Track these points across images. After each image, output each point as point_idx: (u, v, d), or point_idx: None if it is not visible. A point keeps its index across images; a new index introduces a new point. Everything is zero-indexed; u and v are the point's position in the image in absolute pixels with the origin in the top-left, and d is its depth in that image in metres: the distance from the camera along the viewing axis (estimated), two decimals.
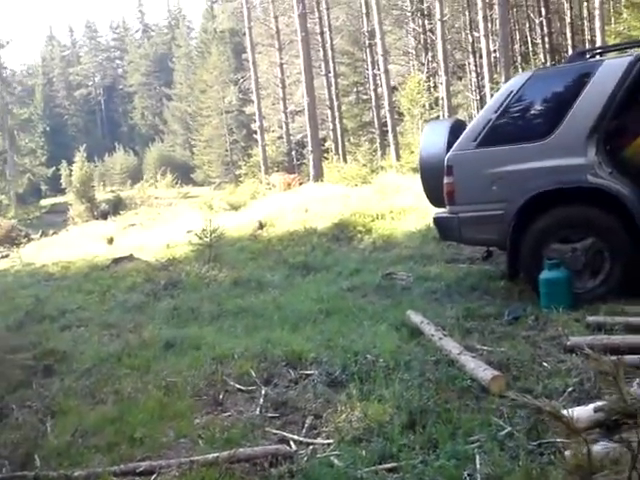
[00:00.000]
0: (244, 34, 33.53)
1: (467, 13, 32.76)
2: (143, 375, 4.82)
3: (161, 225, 16.99)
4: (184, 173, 50.52)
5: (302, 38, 24.10)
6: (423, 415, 3.61)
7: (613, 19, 25.29)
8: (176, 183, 43.84)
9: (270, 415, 4.03)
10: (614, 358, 3.94)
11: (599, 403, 2.93)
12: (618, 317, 4.72)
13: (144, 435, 3.80)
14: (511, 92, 5.67)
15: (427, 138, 6.42)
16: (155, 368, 4.94)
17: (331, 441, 3.57)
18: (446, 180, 5.80)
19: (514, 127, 5.64)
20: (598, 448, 2.67)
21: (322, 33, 31.37)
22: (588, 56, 6.14)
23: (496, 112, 5.66)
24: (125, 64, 78.83)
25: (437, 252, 8.28)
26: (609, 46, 6.83)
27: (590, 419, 2.99)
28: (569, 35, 33.14)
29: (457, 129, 6.10)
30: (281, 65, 32.36)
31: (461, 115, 29.52)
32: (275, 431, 3.80)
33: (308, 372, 4.58)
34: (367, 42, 31.00)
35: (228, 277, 7.98)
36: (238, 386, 4.50)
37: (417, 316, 5.33)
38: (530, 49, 35.69)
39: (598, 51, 6.40)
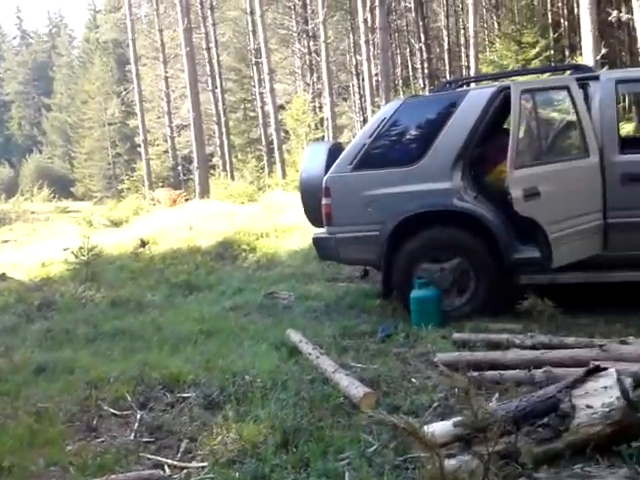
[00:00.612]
0: (127, 46, 32.89)
1: (351, 36, 33.64)
2: (13, 401, 4.63)
3: (37, 242, 16.28)
4: (63, 187, 48.72)
5: (187, 53, 23.95)
6: (296, 434, 3.68)
7: (487, 48, 26.66)
8: (54, 197, 42.14)
9: (145, 440, 3.98)
10: (476, 374, 4.25)
11: (458, 418, 3.13)
12: (481, 334, 5.02)
13: (12, 464, 3.67)
14: (384, 118, 5.92)
15: (307, 160, 6.59)
16: (26, 393, 4.76)
17: (205, 464, 3.58)
18: (324, 201, 5.97)
19: (387, 152, 5.89)
20: (453, 462, 2.86)
21: (208, 48, 31.30)
22: (455, 86, 6.51)
23: (370, 137, 5.90)
24: (1, 71, 75.24)
25: (318, 271, 8.45)
26: (475, 77, 7.26)
27: (450, 433, 3.19)
28: (447, 61, 34.73)
29: (336, 152, 6.29)
30: (166, 78, 31.96)
31: (346, 135, 30.22)
32: (149, 456, 3.76)
33: (185, 395, 4.56)
34: (254, 60, 31.15)
35: (106, 297, 7.79)
36: (113, 411, 4.42)
37: (296, 335, 5.43)
38: (411, 73, 37.04)
39: (465, 81, 6.79)
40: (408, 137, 5.95)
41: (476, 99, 5.63)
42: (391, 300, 6.25)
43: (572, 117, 5.44)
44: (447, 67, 34.50)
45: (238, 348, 5.47)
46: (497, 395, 3.94)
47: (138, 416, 4.27)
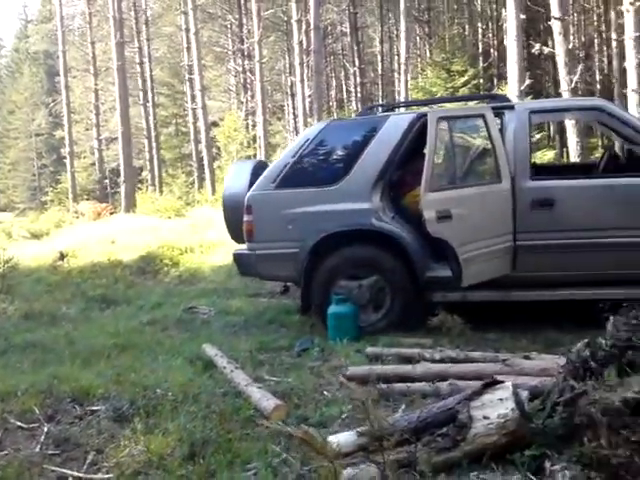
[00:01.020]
0: (58, 57, 32.27)
1: (287, 57, 33.97)
2: None
3: None
4: None
5: (118, 67, 23.70)
6: (204, 446, 3.68)
7: (419, 75, 27.35)
8: None
9: (50, 452, 3.90)
10: (385, 386, 4.36)
11: (361, 428, 3.21)
12: (394, 348, 5.14)
13: None
14: (308, 139, 6.04)
15: (231, 177, 6.64)
16: None
17: (110, 476, 3.54)
18: (245, 218, 6.02)
19: (309, 172, 6.00)
20: (349, 470, 2.93)
21: (142, 63, 31.07)
22: (378, 111, 6.69)
23: (294, 157, 6.00)
24: None
25: (241, 286, 8.46)
26: (396, 103, 7.48)
27: (354, 443, 3.27)
28: (380, 86, 35.46)
29: (260, 170, 6.35)
30: (96, 91, 31.48)
31: (279, 154, 30.33)
32: (54, 468, 3.69)
33: (94, 408, 4.48)
34: (187, 76, 31.04)
35: (19, 310, 7.59)
36: (19, 424, 4.30)
37: (212, 349, 5.43)
38: (345, 96, 37.61)
39: (387, 107, 6.98)
40: (330, 158, 6.06)
41: (396, 124, 5.80)
42: (310, 315, 6.32)
43: (487, 144, 5.67)
44: (380, 91, 35.25)
45: (152, 362, 5.42)
46: (403, 406, 4.05)
47: (45, 429, 4.18)
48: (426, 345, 5.16)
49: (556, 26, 13.32)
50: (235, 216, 6.23)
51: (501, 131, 5.73)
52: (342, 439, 3.30)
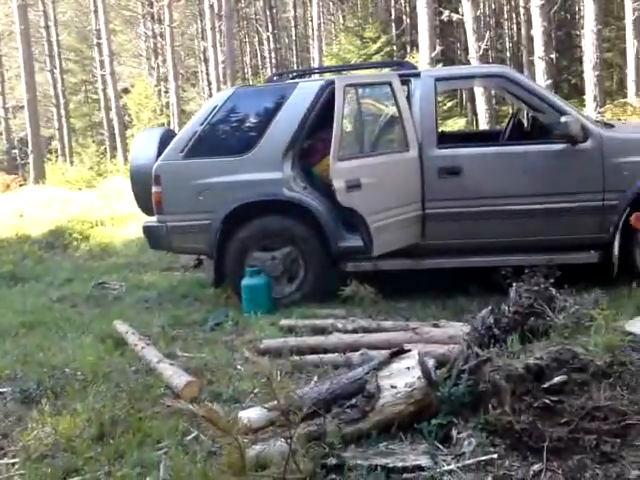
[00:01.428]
0: None
1: (199, 21, 33.12)
2: None
3: None
4: None
5: (22, 31, 22.49)
6: (114, 426, 3.61)
7: (333, 41, 27.22)
8: None
9: None
10: (297, 358, 4.37)
11: (270, 403, 3.20)
12: (307, 320, 5.15)
13: None
14: (216, 106, 5.90)
15: (137, 147, 6.43)
16: None
17: (17, 460, 3.43)
18: (154, 189, 5.86)
19: (218, 140, 5.87)
20: (257, 447, 2.92)
21: (47, 27, 29.62)
22: (285, 78, 6.60)
23: (202, 125, 5.85)
24: None
25: (154, 260, 8.28)
26: (304, 70, 7.37)
27: (264, 418, 3.26)
28: (295, 51, 35.12)
29: (168, 139, 6.17)
30: None
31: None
32: None
33: (0, 390, 4.34)
34: (95, 41, 29.85)
35: None
36: None
37: (123, 326, 5.30)
38: (260, 62, 37.09)
39: (294, 74, 6.89)
40: (239, 126, 5.95)
41: (305, 92, 5.74)
42: (225, 289, 6.25)
43: (394, 112, 5.69)
44: (295, 58, 34.94)
45: (61, 341, 5.26)
46: (316, 378, 4.07)
47: None
48: (339, 316, 5.19)
49: None
50: (143, 187, 6.05)
51: (408, 99, 5.74)
52: (252, 415, 3.29)
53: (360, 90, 5.60)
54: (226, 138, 5.88)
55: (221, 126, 5.89)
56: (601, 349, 2.96)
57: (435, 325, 4.62)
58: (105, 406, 3.83)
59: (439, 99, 18.66)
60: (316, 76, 7.83)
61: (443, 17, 14.84)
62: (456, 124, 17.97)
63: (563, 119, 5.24)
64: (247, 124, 5.93)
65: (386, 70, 6.71)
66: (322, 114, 5.66)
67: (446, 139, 6.06)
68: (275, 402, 3.13)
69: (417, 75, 5.87)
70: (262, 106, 5.89)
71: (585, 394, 2.85)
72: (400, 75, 5.74)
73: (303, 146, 5.86)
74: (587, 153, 5.38)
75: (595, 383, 2.86)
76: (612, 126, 5.88)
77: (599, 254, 5.42)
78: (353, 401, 3.18)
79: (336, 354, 4.29)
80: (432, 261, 5.68)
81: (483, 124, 13.86)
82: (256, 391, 4.00)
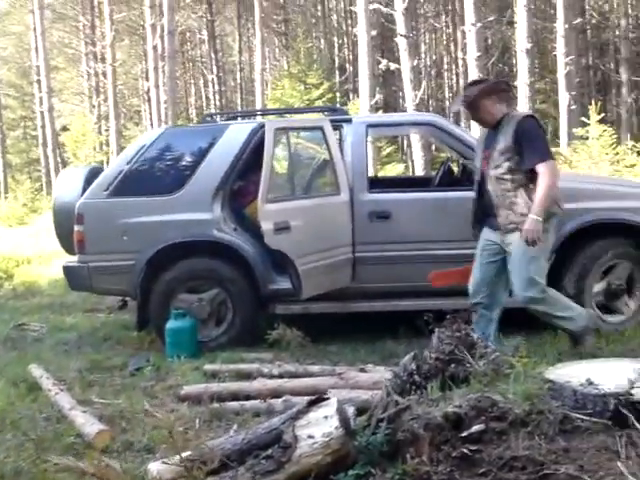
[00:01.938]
0: None
1: (144, 62, 33.05)
2: None
3: None
4: None
5: None
6: (16, 478, 3.39)
7: (277, 85, 27.47)
8: None
9: None
10: (217, 405, 4.21)
11: (187, 453, 3.05)
12: (233, 365, 5.00)
13: None
14: (144, 145, 5.79)
15: (61, 185, 6.25)
16: None
17: None
18: (76, 228, 5.67)
19: (145, 180, 5.73)
20: None
21: None
22: (218, 119, 6.55)
23: (129, 163, 5.73)
24: None
25: (78, 301, 8.00)
26: (238, 112, 7.37)
27: (174, 471, 3.09)
28: (240, 94, 35.33)
29: (94, 177, 6.01)
30: None
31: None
32: None
33: None
34: (36, 77, 29.41)
35: None
36: None
37: (39, 370, 5.06)
38: (204, 103, 37.18)
39: (228, 115, 6.84)
40: (168, 166, 5.82)
41: (236, 134, 5.69)
42: (150, 332, 6.05)
43: (326, 156, 5.68)
44: (240, 100, 35.13)
45: None
46: (236, 426, 3.91)
47: None
48: (266, 360, 5.06)
49: (402, 43, 13.80)
50: (67, 226, 5.85)
51: (340, 144, 5.76)
52: (162, 467, 3.12)
53: (291, 134, 5.57)
54: (153, 177, 5.75)
55: (148, 165, 5.77)
56: (520, 397, 2.91)
57: (362, 370, 4.53)
58: (9, 456, 3.61)
59: (379, 144, 18.99)
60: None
61: (381, 66, 15.13)
62: (395, 169, 18.22)
63: None
64: (176, 164, 5.81)
65: (319, 115, 6.72)
66: (255, 157, 5.61)
67: (377, 184, 6.08)
68: (186, 454, 3.02)
69: (349, 121, 5.90)
70: (192, 146, 5.81)
71: (503, 443, 2.78)
72: (332, 120, 5.75)
73: (234, 187, 5.79)
74: None
75: (514, 432, 2.80)
76: None
77: None
78: (269, 452, 3.05)
79: (258, 401, 4.14)
80: (362, 304, 5.63)
81: (419, 170, 14.09)
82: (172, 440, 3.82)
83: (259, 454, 3.05)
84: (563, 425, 2.77)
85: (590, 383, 2.85)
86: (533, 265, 4.46)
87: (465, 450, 2.77)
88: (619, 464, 2.57)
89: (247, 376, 4.75)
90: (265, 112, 7.34)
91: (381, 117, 7.87)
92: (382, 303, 5.62)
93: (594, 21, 28.83)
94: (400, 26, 13.78)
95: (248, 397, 4.30)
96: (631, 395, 2.73)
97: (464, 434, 2.81)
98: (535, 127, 4.46)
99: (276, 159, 5.59)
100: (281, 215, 5.23)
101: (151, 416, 3.85)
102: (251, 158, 5.65)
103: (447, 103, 32.92)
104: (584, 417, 2.76)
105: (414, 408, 3.02)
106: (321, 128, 5.54)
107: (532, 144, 4.36)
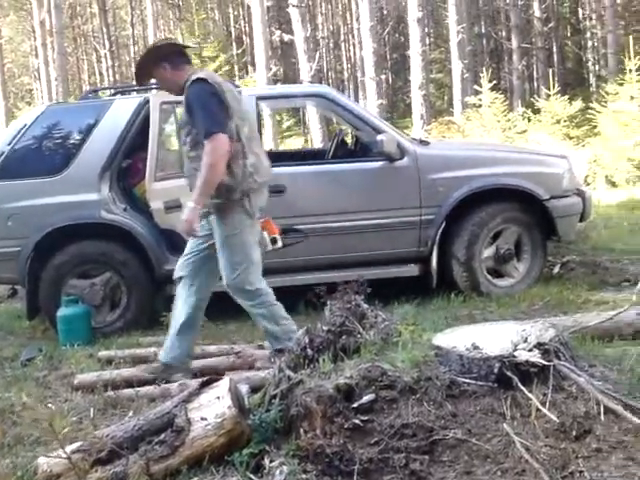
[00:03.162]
0: None
1: (32, 38, 31.52)
2: None
3: None
4: None
5: None
6: None
7: None
8: None
9: None
10: (112, 393, 4.09)
11: (74, 445, 2.94)
12: (128, 350, 4.86)
13: None
14: (25, 125, 5.50)
15: None
16: None
17: None
18: None
19: (28, 161, 5.46)
20: None
21: None
22: (103, 94, 6.29)
23: (9, 145, 5.44)
24: None
25: None
26: (123, 86, 7.09)
27: (64, 463, 2.98)
28: (134, 69, 34.26)
29: None
30: None
31: None
32: None
33: None
34: None
35: None
36: None
37: None
38: (98, 79, 35.89)
39: (112, 90, 6.59)
40: (51, 146, 5.55)
41: (121, 109, 5.48)
42: (43, 320, 5.81)
43: None
44: (134, 75, 34.02)
45: None
46: (131, 413, 3.81)
47: None
48: (163, 343, 4.95)
49: (294, 13, 13.69)
50: None
51: None
52: (52, 460, 3.00)
53: (178, 108, 5.41)
54: (36, 158, 5.48)
55: (31, 146, 5.49)
56: (408, 365, 2.95)
57: (260, 347, 4.51)
58: None
59: (278, 118, 18.88)
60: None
61: (275, 37, 14.99)
62: (295, 142, 18.19)
63: (379, 137, 5.34)
64: (60, 143, 5.54)
65: None
66: (144, 133, 5.42)
67: (270, 157, 6.00)
68: (76, 444, 2.92)
69: (239, 93, 5.76)
70: (76, 124, 5.55)
71: (394, 411, 2.82)
72: None
73: (123, 166, 5.59)
74: (404, 170, 5.51)
75: (403, 400, 2.84)
76: (428, 143, 6.09)
77: (419, 267, 5.56)
78: (162, 437, 2.98)
79: (153, 386, 4.05)
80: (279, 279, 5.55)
81: (318, 143, 14.12)
82: (66, 430, 3.69)
83: (152, 440, 2.98)
84: (451, 390, 2.84)
85: (475, 347, 2.92)
86: (234, 254, 3.98)
87: (357, 421, 2.79)
88: (505, 425, 2.66)
89: (144, 361, 4.63)
90: (151, 86, 7.05)
91: (270, 89, 7.79)
92: (280, 278, 5.56)
93: None
94: None
95: (145, 383, 4.20)
96: (514, 357, 2.82)
97: (355, 405, 2.83)
98: (197, 94, 3.73)
99: (166, 135, 5.42)
100: (171, 193, 5.09)
101: (30, 409, 3.71)
102: (139, 135, 5.46)
103: (346, 75, 33.09)
104: (470, 381, 2.84)
105: (306, 382, 3.01)
106: None
107: (196, 115, 3.72)
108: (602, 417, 2.60)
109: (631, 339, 3.71)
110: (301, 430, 2.87)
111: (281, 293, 5.69)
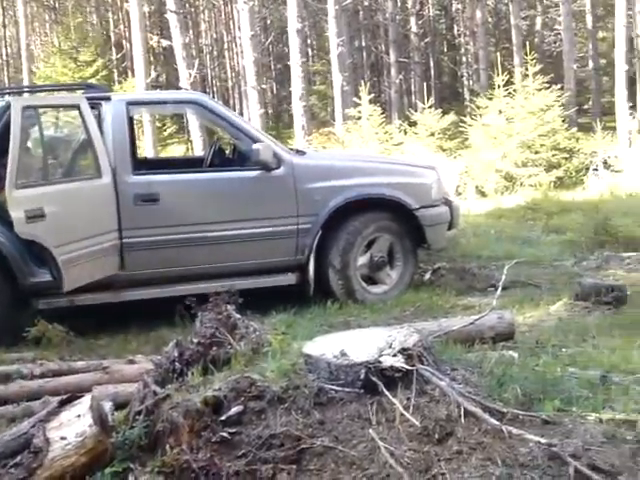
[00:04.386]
0: None
1: None
2: None
3: None
4: None
5: None
6: None
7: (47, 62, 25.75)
8: None
9: None
10: None
11: None
12: None
13: None
14: None
15: None
16: None
17: None
18: None
19: None
20: None
21: None
22: None
23: None
24: None
25: None
26: None
27: None
28: (6, 72, 32.68)
29: None
30: None
31: None
32: None
33: None
34: None
35: None
36: None
37: None
38: None
39: None
40: None
41: None
42: None
43: (84, 136, 5.33)
44: (6, 78, 32.46)
45: None
46: None
47: None
48: (28, 359, 4.70)
49: (172, 19, 13.50)
50: None
51: (99, 123, 5.43)
52: None
53: (42, 113, 5.17)
54: None
55: None
56: (277, 374, 2.94)
57: (131, 361, 4.36)
58: None
59: (158, 124, 18.52)
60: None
61: (152, 43, 14.72)
62: (176, 149, 17.91)
63: (255, 146, 5.34)
64: None
65: (77, 93, 6.31)
66: (5, 138, 5.13)
67: (145, 165, 5.87)
68: None
69: (108, 99, 5.60)
70: None
71: (262, 422, 2.80)
72: (89, 98, 5.41)
73: None
74: (280, 179, 5.53)
75: (272, 410, 2.83)
76: (304, 153, 6.14)
77: (297, 276, 5.59)
78: (18, 459, 2.81)
79: (13, 405, 3.82)
80: (133, 292, 5.41)
81: (199, 150, 13.96)
82: None
83: (7, 463, 2.82)
84: (319, 398, 2.84)
85: (343, 354, 2.94)
86: None
87: (224, 434, 2.74)
88: (370, 431, 2.69)
89: (5, 378, 4.37)
90: (15, 90, 6.75)
91: (143, 95, 7.63)
92: (155, 290, 5.45)
93: (366, 3, 30.28)
94: (169, 2, 13.43)
95: (5, 401, 3.96)
96: (380, 363, 2.86)
97: (223, 417, 2.79)
98: None
99: (29, 140, 5.15)
100: (33, 202, 4.84)
101: None
102: (1, 140, 5.16)
103: (230, 83, 32.96)
104: (337, 388, 2.85)
105: (174, 396, 2.94)
106: (77, 106, 5.19)
107: None
108: (462, 420, 2.67)
109: (492, 342, 3.87)
110: (167, 446, 2.80)
111: (158, 304, 5.61)
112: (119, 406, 3.32)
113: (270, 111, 32.97)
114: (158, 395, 2.96)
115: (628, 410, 2.98)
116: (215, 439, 2.74)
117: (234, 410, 2.80)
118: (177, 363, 3.21)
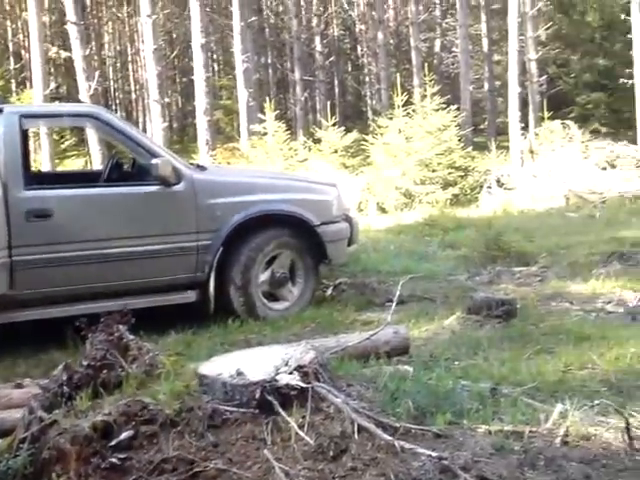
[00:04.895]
0: None
1: None
2: None
3: None
4: None
5: None
6: None
7: None
8: None
9: None
10: None
11: None
12: None
13: None
14: None
15: None
16: None
17: None
18: None
19: None
20: None
21: None
22: None
23: None
24: None
25: None
26: None
27: None
28: None
29: None
30: None
31: None
32: None
33: None
34: None
35: None
36: None
37: None
38: None
39: None
40: None
41: None
42: None
43: None
44: None
45: None
46: None
47: None
48: None
49: (72, 30, 13.14)
50: None
51: None
52: None
53: None
54: None
55: None
56: (170, 397, 2.87)
57: (18, 385, 4.15)
58: None
59: (57, 137, 17.92)
60: None
61: (51, 54, 14.28)
62: (75, 163, 17.37)
63: (154, 161, 5.23)
64: None
65: None
66: None
67: (38, 179, 5.64)
68: None
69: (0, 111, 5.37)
70: None
71: (154, 447, 2.73)
72: None
73: None
74: (180, 195, 5.43)
75: (164, 433, 2.76)
76: (205, 169, 6.08)
77: (196, 293, 5.50)
78: None
79: None
80: (23, 313, 5.16)
81: (98, 164, 13.60)
82: None
83: None
84: (213, 420, 2.80)
85: (239, 374, 2.91)
86: None
87: (114, 459, 2.66)
88: (265, 451, 2.66)
89: None
90: None
91: (37, 107, 7.37)
92: (47, 310, 5.22)
93: (272, 21, 30.45)
94: (70, 12, 13.07)
95: None
96: (276, 381, 2.84)
97: (113, 443, 2.70)
98: None
99: None
100: None
101: None
102: None
103: (134, 96, 32.33)
104: (232, 409, 2.82)
105: (61, 422, 2.83)
106: None
107: None
108: (356, 436, 2.69)
109: (387, 357, 3.93)
110: (53, 474, 2.69)
111: (51, 325, 5.38)
112: (5, 433, 3.17)
113: (175, 125, 32.55)
114: (44, 421, 2.85)
115: (516, 421, 3.09)
116: (104, 465, 2.65)
117: (124, 435, 2.72)
118: (65, 387, 3.09)
